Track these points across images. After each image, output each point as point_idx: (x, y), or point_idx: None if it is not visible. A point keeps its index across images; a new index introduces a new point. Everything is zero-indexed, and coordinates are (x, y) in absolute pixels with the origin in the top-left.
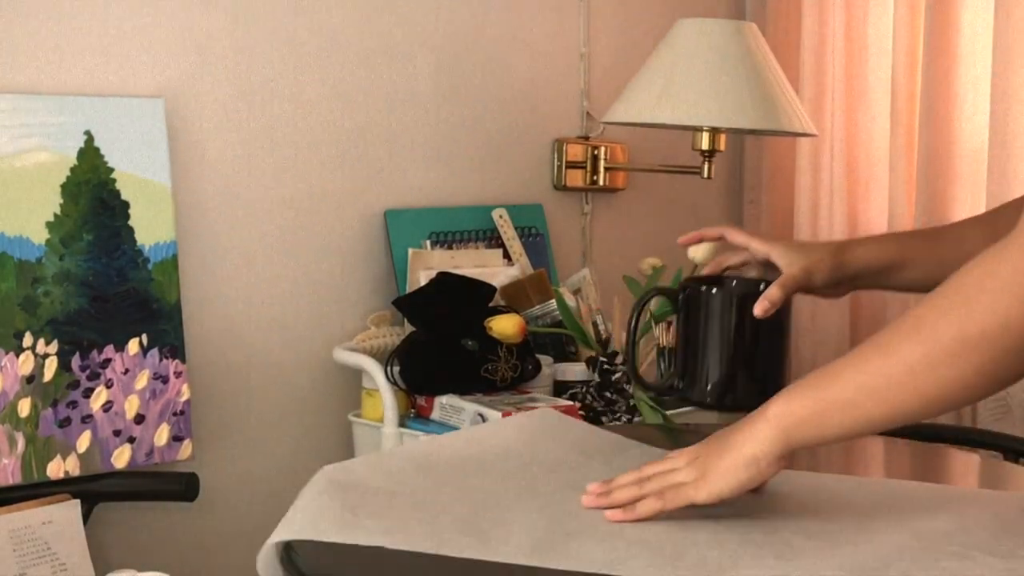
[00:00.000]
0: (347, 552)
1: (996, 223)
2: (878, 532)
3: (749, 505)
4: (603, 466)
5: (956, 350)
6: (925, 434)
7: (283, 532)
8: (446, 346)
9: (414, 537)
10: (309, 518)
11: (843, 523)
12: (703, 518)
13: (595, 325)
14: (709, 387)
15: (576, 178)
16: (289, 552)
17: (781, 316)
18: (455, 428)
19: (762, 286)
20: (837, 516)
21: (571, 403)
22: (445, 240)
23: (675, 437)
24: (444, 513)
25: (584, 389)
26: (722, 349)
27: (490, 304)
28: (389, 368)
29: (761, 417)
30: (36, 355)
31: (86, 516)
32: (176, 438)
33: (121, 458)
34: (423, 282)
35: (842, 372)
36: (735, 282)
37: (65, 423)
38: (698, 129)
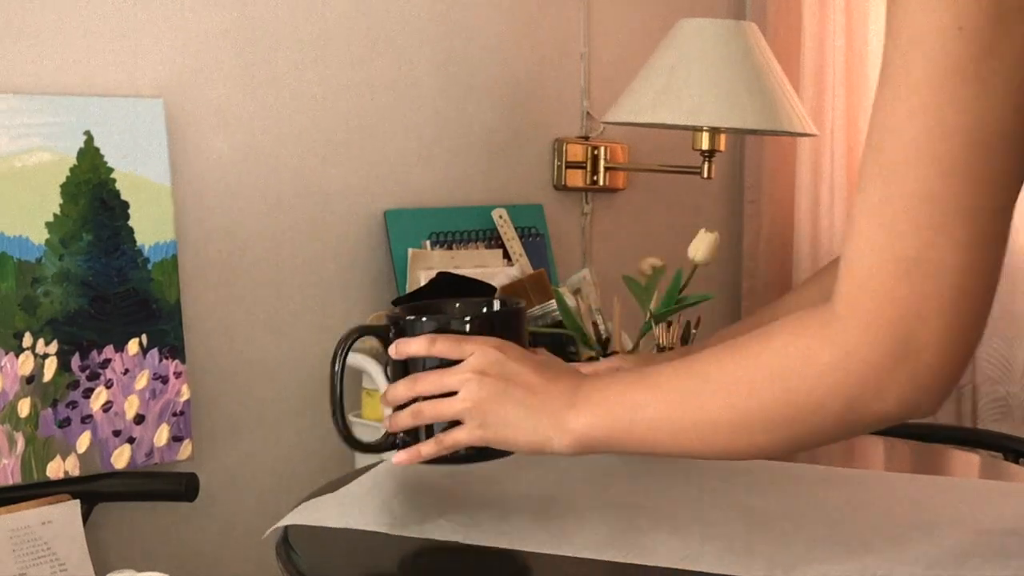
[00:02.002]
0: (347, 552)
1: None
2: (947, 528)
3: (810, 500)
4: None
5: (742, 424)
6: (925, 434)
7: (323, 515)
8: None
9: (488, 534)
10: (359, 505)
11: (910, 519)
12: (770, 512)
13: (595, 325)
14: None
15: (576, 178)
16: (289, 552)
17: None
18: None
19: (486, 308)
20: (903, 512)
21: None
22: (445, 240)
23: None
24: (514, 507)
25: None
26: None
27: None
28: (389, 368)
29: (562, 425)
30: (36, 355)
31: (86, 516)
32: (176, 438)
33: (121, 458)
34: (423, 282)
35: (647, 403)
36: (457, 306)
37: (65, 423)
38: (698, 129)
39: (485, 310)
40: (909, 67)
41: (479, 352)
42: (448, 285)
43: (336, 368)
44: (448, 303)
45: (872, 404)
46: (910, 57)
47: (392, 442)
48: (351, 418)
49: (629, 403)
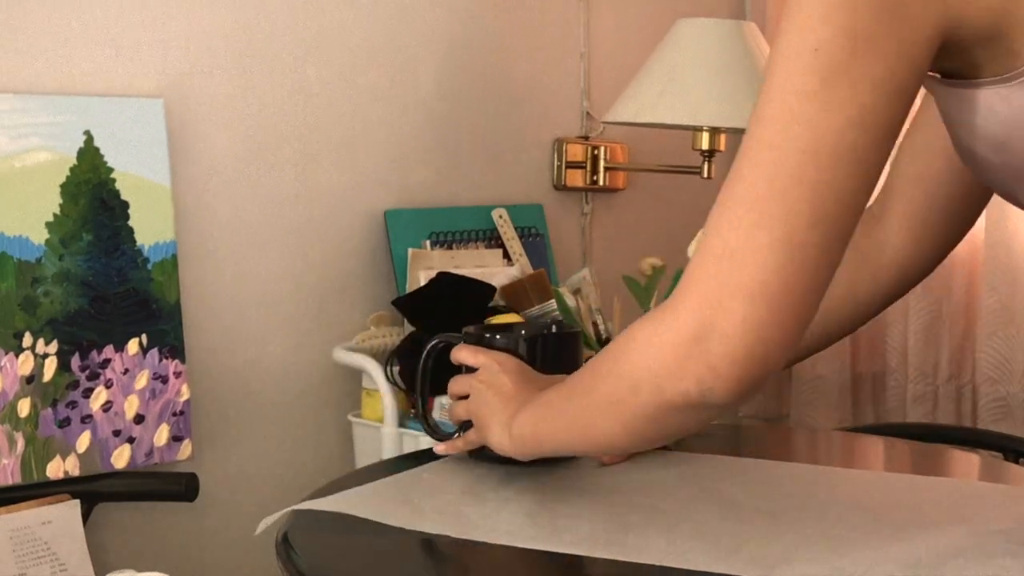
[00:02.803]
0: (347, 552)
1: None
2: (933, 528)
3: (804, 499)
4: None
5: (607, 409)
6: (925, 434)
7: (343, 504)
8: (446, 346)
9: (480, 530)
10: (368, 499)
11: (898, 519)
12: (758, 511)
13: (595, 325)
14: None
15: (576, 178)
16: (289, 552)
17: (567, 364)
18: (454, 428)
19: (551, 329)
20: (892, 513)
21: None
22: (445, 240)
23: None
24: (506, 505)
25: None
26: None
27: (490, 304)
28: (389, 368)
29: (507, 427)
30: (36, 355)
31: (86, 516)
32: (176, 438)
33: (121, 458)
34: (423, 282)
35: (558, 405)
36: (522, 328)
37: (65, 423)
38: (698, 129)
39: (544, 332)
40: (769, 81)
41: (484, 364)
42: (448, 285)
43: (421, 371)
44: (517, 326)
45: (674, 383)
46: (771, 71)
47: (449, 435)
48: (351, 418)
49: (545, 405)
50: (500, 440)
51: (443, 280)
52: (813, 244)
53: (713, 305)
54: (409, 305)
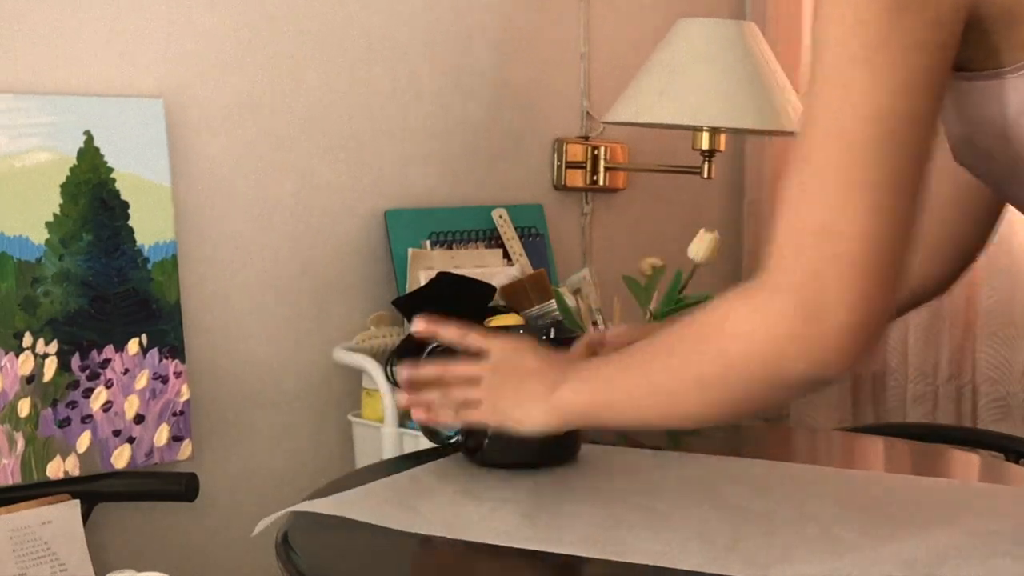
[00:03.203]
0: (347, 552)
1: None
2: (930, 529)
3: (801, 500)
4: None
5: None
6: (925, 434)
7: (340, 507)
8: (445, 345)
9: (477, 530)
10: (366, 501)
11: (895, 520)
12: (755, 512)
13: (595, 325)
14: (487, 443)
15: (576, 178)
16: (289, 552)
17: None
18: (454, 431)
19: (550, 334)
20: (889, 513)
21: None
22: (445, 240)
23: (674, 437)
24: (503, 506)
25: None
26: None
27: (490, 304)
28: (389, 368)
29: (547, 400)
30: (36, 355)
31: (86, 516)
32: (176, 438)
33: (121, 458)
34: (423, 282)
35: (616, 378)
36: (521, 332)
37: (65, 423)
38: (698, 129)
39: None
40: (821, 57)
41: (497, 349)
42: (448, 285)
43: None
44: (514, 329)
45: (787, 365)
46: (821, 47)
47: (448, 437)
48: (351, 418)
49: (603, 378)
50: (533, 415)
51: (443, 280)
52: (900, 208)
53: (817, 281)
54: (409, 305)
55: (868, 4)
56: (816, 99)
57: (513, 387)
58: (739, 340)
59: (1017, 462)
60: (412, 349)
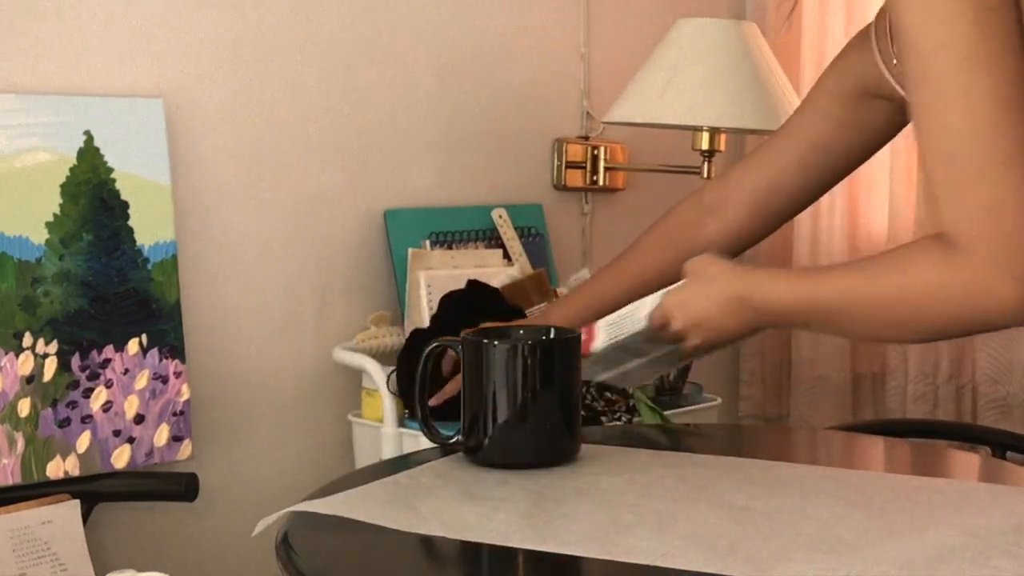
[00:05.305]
0: (347, 552)
1: (672, 233)
2: (930, 529)
3: (801, 499)
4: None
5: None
6: (918, 429)
7: (340, 507)
8: (446, 346)
9: (474, 530)
10: (365, 501)
11: (895, 520)
12: (755, 512)
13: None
14: (487, 443)
15: (576, 178)
16: (289, 552)
17: (565, 369)
18: (454, 432)
19: (550, 335)
20: (889, 513)
21: None
22: (445, 240)
23: (674, 437)
24: (502, 506)
25: (584, 389)
26: (502, 406)
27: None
28: (389, 379)
29: (743, 303)
30: (36, 355)
31: (86, 516)
32: (176, 438)
33: (121, 458)
34: (423, 281)
35: (831, 279)
36: (520, 332)
37: (65, 423)
38: (698, 129)
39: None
40: (925, 43)
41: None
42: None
43: (420, 373)
44: (515, 330)
45: (989, 315)
46: (919, 34)
47: (448, 437)
48: (351, 418)
49: (807, 283)
50: (736, 320)
51: (450, 299)
52: None
53: (1013, 252)
54: (428, 337)
55: (960, 6)
56: (937, 84)
57: (716, 325)
58: (947, 304)
59: (1003, 456)
60: (412, 359)
